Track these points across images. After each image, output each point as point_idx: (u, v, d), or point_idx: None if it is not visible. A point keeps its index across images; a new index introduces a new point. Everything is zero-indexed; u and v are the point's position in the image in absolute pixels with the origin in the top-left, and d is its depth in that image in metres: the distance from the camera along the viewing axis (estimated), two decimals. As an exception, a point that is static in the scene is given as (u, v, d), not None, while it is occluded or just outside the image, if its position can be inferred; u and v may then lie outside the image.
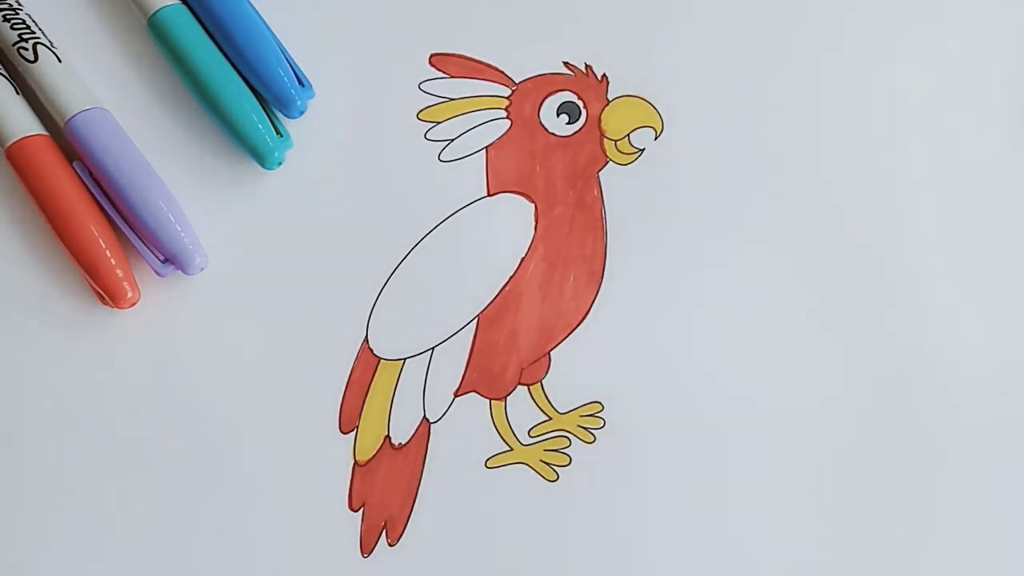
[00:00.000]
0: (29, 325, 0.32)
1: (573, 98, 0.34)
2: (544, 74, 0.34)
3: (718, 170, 0.33)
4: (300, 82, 0.32)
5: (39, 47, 0.32)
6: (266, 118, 0.32)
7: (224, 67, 0.32)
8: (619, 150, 0.33)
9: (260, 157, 0.32)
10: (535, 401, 0.31)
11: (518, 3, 0.34)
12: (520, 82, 0.34)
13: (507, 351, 0.32)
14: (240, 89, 0.32)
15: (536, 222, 0.33)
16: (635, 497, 0.31)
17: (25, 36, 0.32)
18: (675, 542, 0.30)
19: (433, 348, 0.32)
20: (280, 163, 0.32)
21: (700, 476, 0.31)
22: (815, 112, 0.34)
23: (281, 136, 0.32)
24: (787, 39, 0.34)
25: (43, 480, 0.31)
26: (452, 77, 0.34)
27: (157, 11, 0.32)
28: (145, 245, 0.31)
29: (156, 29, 0.32)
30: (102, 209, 0.31)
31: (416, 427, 0.31)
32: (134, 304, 0.31)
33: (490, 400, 0.31)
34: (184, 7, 0.32)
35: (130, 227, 0.31)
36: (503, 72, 0.34)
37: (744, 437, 0.31)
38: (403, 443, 0.31)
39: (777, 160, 0.33)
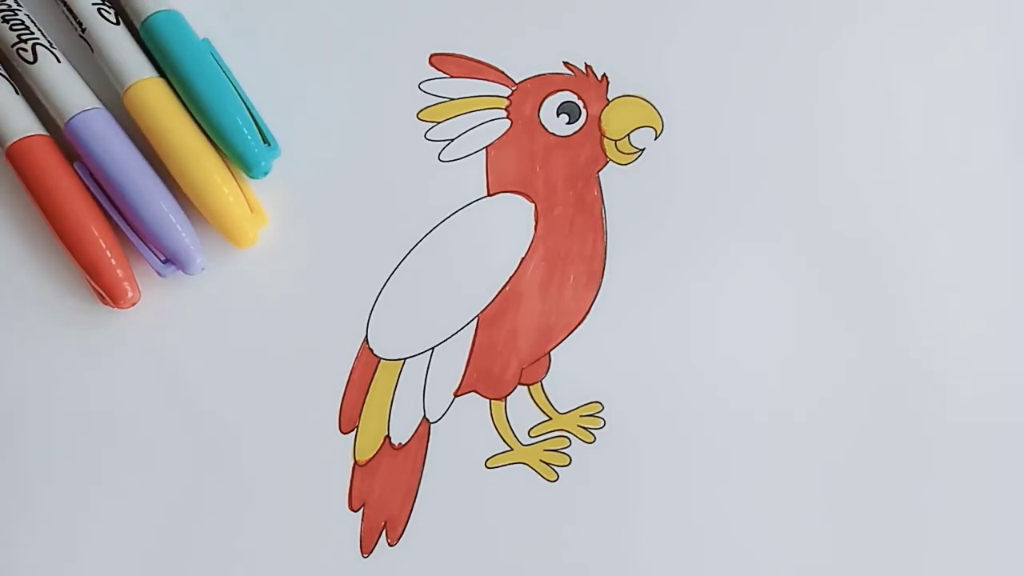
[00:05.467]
0: (29, 325, 0.32)
1: (573, 98, 0.34)
2: (544, 74, 0.34)
3: (718, 170, 0.33)
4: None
5: (38, 48, 0.32)
6: (254, 127, 0.32)
7: (214, 74, 0.32)
8: (619, 150, 0.33)
9: (246, 167, 0.32)
10: (535, 401, 0.31)
11: (518, 3, 0.34)
12: (520, 82, 0.34)
13: (507, 351, 0.32)
14: (228, 97, 0.32)
15: (536, 222, 0.33)
16: (635, 497, 0.31)
17: (24, 37, 0.32)
18: (674, 542, 0.30)
19: (433, 348, 0.32)
20: (266, 172, 0.32)
21: (700, 476, 0.31)
22: (815, 112, 0.34)
23: (269, 145, 0.32)
24: (787, 39, 0.34)
25: (43, 479, 0.31)
26: (452, 77, 0.34)
27: (148, 17, 0.32)
28: (146, 245, 0.31)
29: (148, 33, 0.32)
30: (102, 209, 0.31)
31: (416, 427, 0.31)
32: (134, 304, 0.31)
33: (490, 400, 0.31)
34: (177, 13, 0.32)
35: (131, 227, 0.31)
36: (503, 72, 0.34)
37: (744, 437, 0.31)
38: (403, 443, 0.31)
39: (777, 160, 0.33)
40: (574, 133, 0.33)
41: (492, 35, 0.34)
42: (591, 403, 0.31)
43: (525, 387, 0.32)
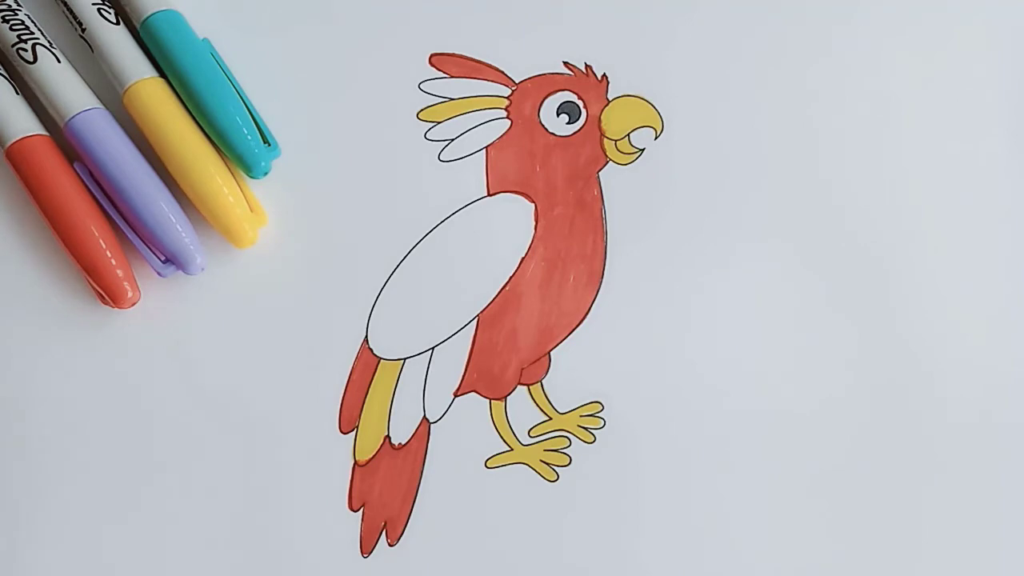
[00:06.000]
0: (29, 325, 0.32)
1: (573, 98, 0.34)
2: (544, 74, 0.34)
3: (718, 170, 0.33)
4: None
5: (38, 48, 0.32)
6: (254, 127, 0.32)
7: (214, 74, 0.32)
8: (619, 150, 0.33)
9: (246, 167, 0.32)
10: (535, 401, 0.31)
11: (518, 3, 0.34)
12: (520, 82, 0.34)
13: (507, 351, 0.32)
14: (228, 97, 0.32)
15: (536, 222, 0.33)
16: (635, 497, 0.31)
17: (24, 37, 0.32)
18: (674, 541, 0.30)
19: (433, 348, 0.32)
20: (266, 172, 0.32)
21: (700, 476, 0.31)
22: (815, 112, 0.34)
23: (269, 145, 0.32)
24: (787, 39, 0.34)
25: (42, 478, 0.31)
26: (452, 77, 0.34)
27: (148, 17, 0.32)
28: (146, 245, 0.31)
29: (148, 33, 0.32)
30: (102, 209, 0.31)
31: (416, 427, 0.31)
32: (134, 304, 0.31)
33: (490, 400, 0.31)
34: (177, 13, 0.32)
35: (131, 227, 0.31)
36: (503, 72, 0.34)
37: (744, 437, 0.31)
38: (403, 443, 0.31)
39: (777, 160, 0.33)
40: (574, 133, 0.33)
41: (492, 35, 0.34)
42: (591, 403, 0.31)
43: (525, 387, 0.32)
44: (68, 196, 0.31)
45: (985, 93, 0.34)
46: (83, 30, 0.32)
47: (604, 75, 0.34)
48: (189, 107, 0.32)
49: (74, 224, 0.31)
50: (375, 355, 0.32)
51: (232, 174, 0.32)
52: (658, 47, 0.34)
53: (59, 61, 0.32)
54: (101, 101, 0.32)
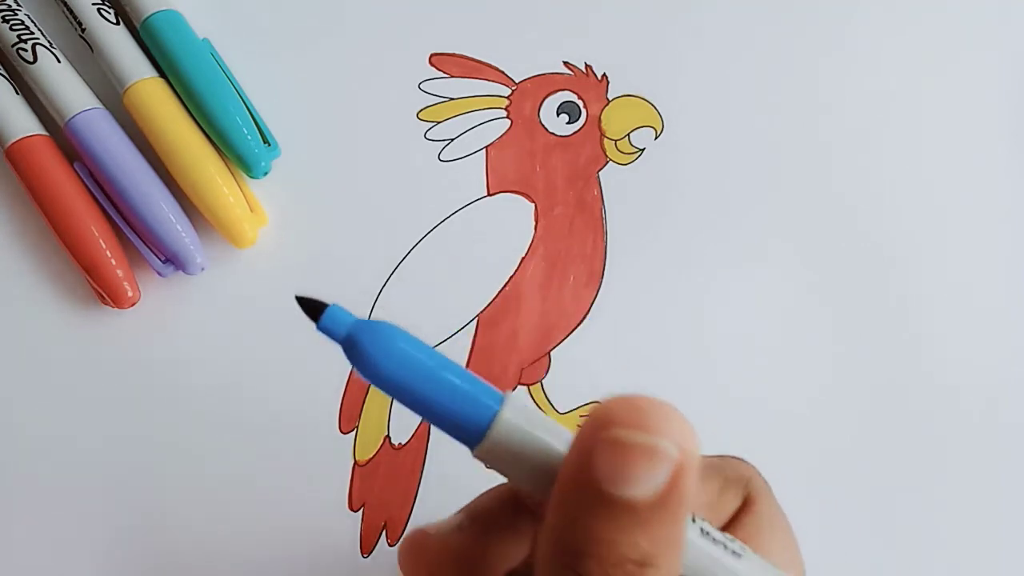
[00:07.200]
0: (29, 325, 0.32)
1: (573, 98, 0.34)
2: (544, 74, 0.34)
3: (718, 170, 0.33)
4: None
5: (38, 48, 0.32)
6: (254, 127, 0.32)
7: (214, 74, 0.32)
8: (619, 150, 0.33)
9: (246, 167, 0.32)
10: (535, 401, 0.31)
11: (518, 3, 0.34)
12: (520, 82, 0.34)
13: (507, 351, 0.32)
14: (228, 97, 0.32)
15: (536, 222, 0.33)
16: (635, 497, 0.31)
17: (24, 37, 0.32)
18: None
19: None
20: (266, 172, 0.32)
21: (700, 476, 0.31)
22: (815, 112, 0.34)
23: (269, 145, 0.32)
24: (787, 39, 0.34)
25: (43, 478, 0.31)
26: (452, 77, 0.34)
27: (148, 17, 0.32)
28: (146, 245, 0.31)
29: (148, 33, 0.32)
30: (102, 209, 0.31)
31: (416, 427, 0.31)
32: (134, 304, 0.31)
33: (490, 400, 0.31)
34: (177, 13, 0.32)
35: (131, 227, 0.31)
36: (503, 72, 0.34)
37: (745, 436, 0.31)
38: (403, 443, 0.31)
39: (777, 160, 0.33)
40: (574, 133, 0.33)
41: (492, 35, 0.34)
42: (591, 403, 0.31)
43: (525, 387, 0.32)
44: (68, 196, 0.31)
45: (985, 93, 0.34)
46: (83, 30, 0.32)
47: (604, 75, 0.34)
48: (189, 107, 0.32)
49: (74, 224, 0.31)
50: (375, 355, 0.31)
51: (232, 174, 0.32)
52: (658, 47, 0.34)
53: (59, 61, 0.32)
54: (101, 101, 0.32)
